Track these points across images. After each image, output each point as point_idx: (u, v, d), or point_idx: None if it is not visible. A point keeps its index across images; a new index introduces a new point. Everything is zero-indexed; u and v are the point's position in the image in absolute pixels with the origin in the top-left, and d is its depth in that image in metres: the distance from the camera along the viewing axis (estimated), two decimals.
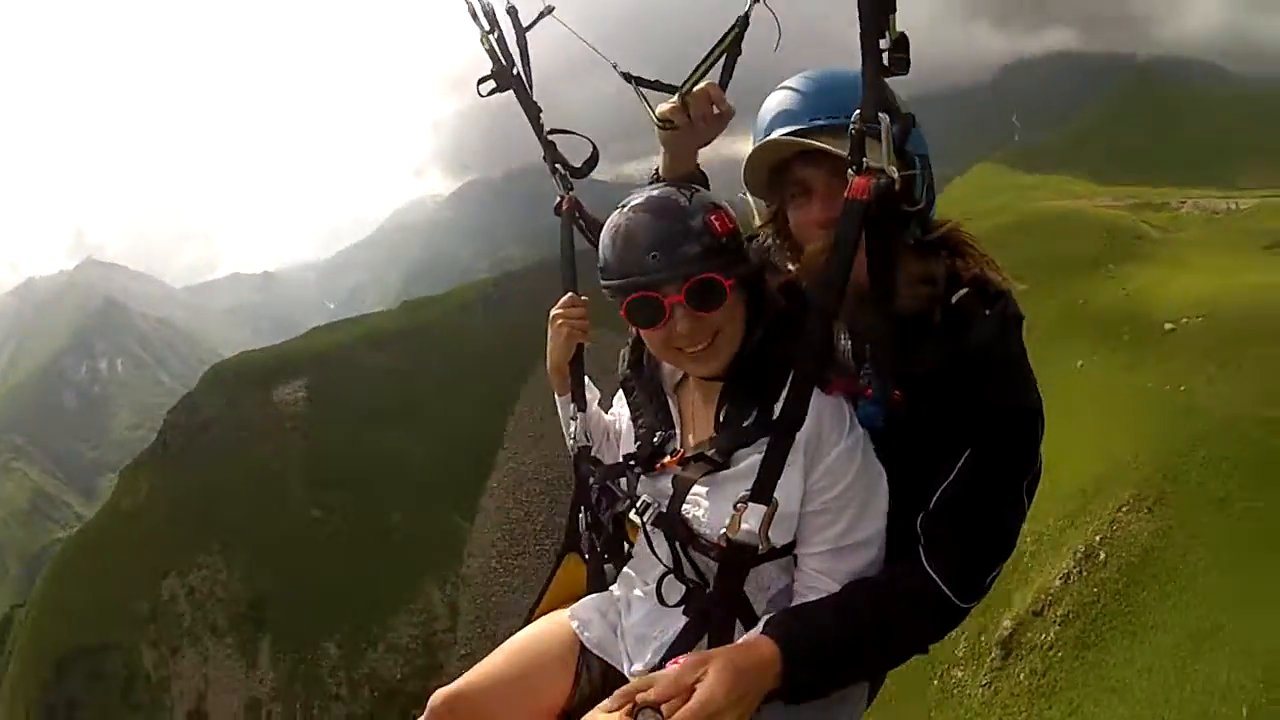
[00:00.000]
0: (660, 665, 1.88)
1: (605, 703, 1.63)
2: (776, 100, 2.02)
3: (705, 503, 1.88)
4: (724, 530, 1.79)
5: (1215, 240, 41.17)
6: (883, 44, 1.52)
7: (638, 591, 2.15)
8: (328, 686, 60.62)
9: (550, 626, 2.32)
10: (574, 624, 2.25)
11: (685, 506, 1.91)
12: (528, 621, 2.44)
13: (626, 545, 2.26)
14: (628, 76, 2.28)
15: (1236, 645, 14.79)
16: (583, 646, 2.21)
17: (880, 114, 1.55)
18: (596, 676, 2.17)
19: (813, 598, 1.81)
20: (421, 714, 2.27)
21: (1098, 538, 19.61)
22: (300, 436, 73.31)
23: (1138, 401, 22.77)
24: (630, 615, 2.16)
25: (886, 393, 1.81)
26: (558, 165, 2.67)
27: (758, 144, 2.01)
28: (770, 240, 2.22)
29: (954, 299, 1.88)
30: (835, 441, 1.82)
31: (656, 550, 1.98)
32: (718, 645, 1.82)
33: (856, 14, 1.52)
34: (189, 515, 69.05)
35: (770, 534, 1.77)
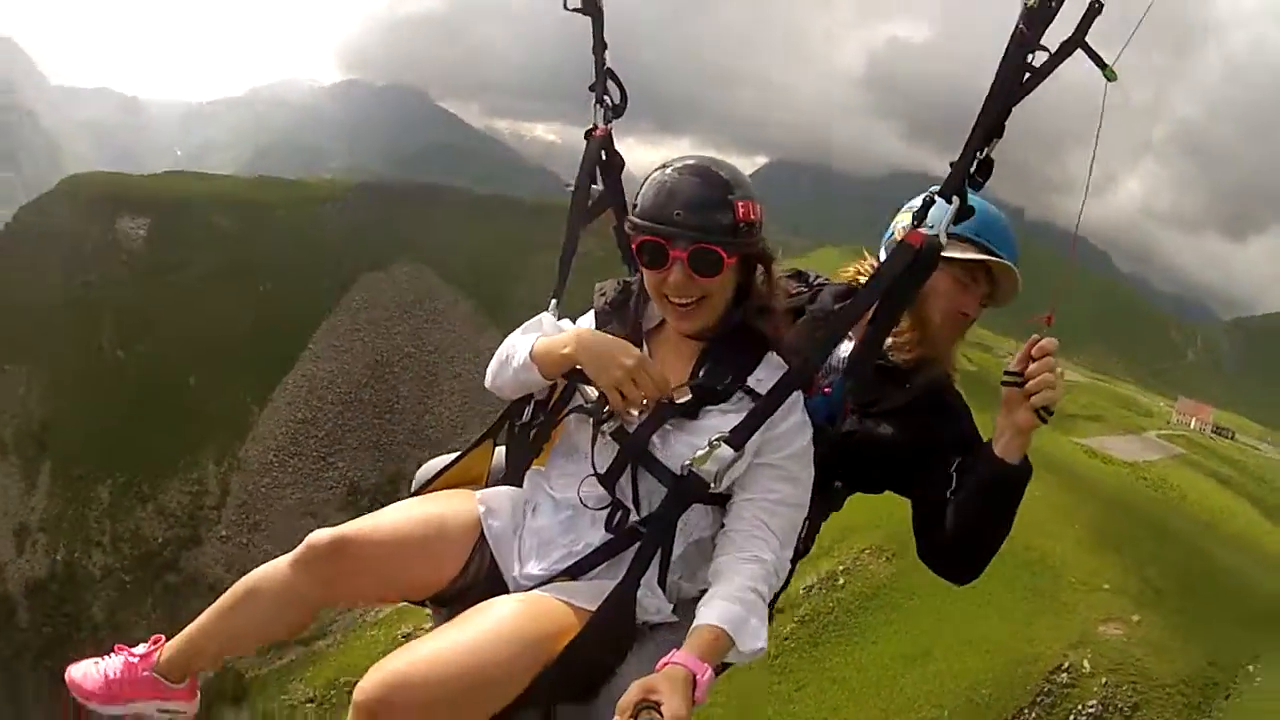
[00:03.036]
0: (566, 572, 2.04)
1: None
2: (992, 220, 2.43)
3: (675, 435, 2.01)
4: (688, 462, 1.94)
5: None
6: (979, 155, 1.95)
7: (553, 495, 2.16)
8: (92, 533, 62.90)
9: (456, 503, 2.21)
10: (481, 509, 2.18)
11: (665, 434, 2.02)
12: (418, 493, 2.38)
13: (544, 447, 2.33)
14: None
15: (941, 667, 22.93)
16: (481, 535, 2.15)
17: (952, 195, 1.99)
18: (484, 568, 2.13)
19: (738, 539, 1.97)
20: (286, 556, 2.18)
21: (840, 567, 25.59)
22: (129, 272, 74.14)
23: None
24: (537, 518, 2.17)
25: (839, 404, 2.12)
26: (606, 97, 2.80)
27: (989, 251, 2.38)
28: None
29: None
30: (791, 414, 2.06)
31: (597, 460, 2.05)
32: (638, 566, 1.95)
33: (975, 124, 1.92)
34: (5, 323, 69.78)
35: (724, 478, 1.95)
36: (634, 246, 2.07)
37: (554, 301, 2.59)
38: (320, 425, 70.05)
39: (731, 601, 1.85)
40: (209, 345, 70.49)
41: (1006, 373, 2.03)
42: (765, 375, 2.09)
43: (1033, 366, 1.98)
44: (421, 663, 1.79)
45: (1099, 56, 1.86)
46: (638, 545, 2.00)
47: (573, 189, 2.79)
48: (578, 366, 2.11)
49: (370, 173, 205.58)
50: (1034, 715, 23.63)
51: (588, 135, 2.84)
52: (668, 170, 2.06)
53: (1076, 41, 1.88)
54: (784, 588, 2.09)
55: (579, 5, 2.80)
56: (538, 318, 2.43)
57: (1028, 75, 1.93)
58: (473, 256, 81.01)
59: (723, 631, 1.79)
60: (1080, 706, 24.36)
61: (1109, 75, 1.87)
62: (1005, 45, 1.90)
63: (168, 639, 2.31)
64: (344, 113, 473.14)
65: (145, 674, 2.26)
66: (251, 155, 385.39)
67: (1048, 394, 1.97)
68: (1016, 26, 1.87)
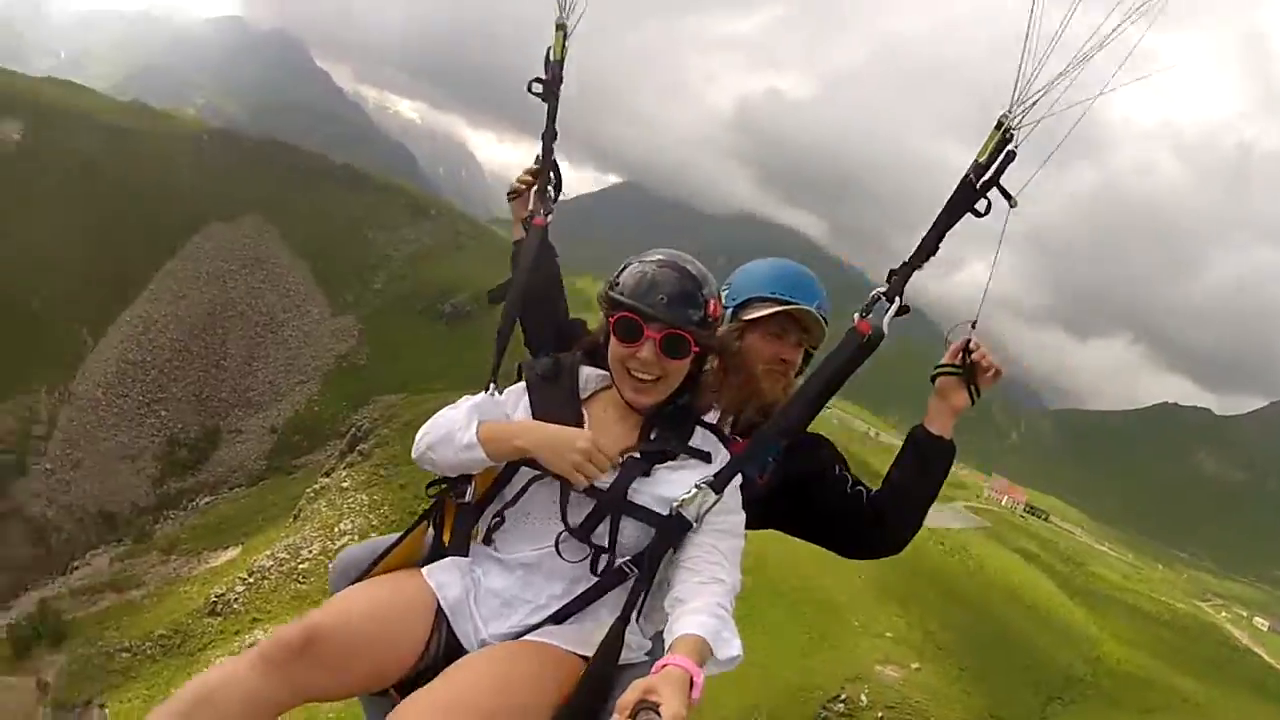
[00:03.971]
0: (552, 617, 2.18)
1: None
2: (785, 273, 2.72)
3: (643, 485, 2.20)
4: (676, 503, 2.15)
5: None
6: (919, 268, 2.33)
7: (500, 558, 2.27)
8: None
9: (409, 582, 2.22)
10: (433, 583, 2.21)
11: (635, 486, 2.20)
12: (363, 576, 2.34)
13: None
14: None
15: (722, 685, 24.87)
16: (436, 612, 2.16)
17: (895, 296, 2.32)
18: (443, 645, 2.14)
19: (696, 565, 2.11)
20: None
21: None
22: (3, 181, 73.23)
23: None
24: (490, 581, 2.24)
25: (768, 461, 2.41)
26: (549, 187, 2.91)
27: (785, 303, 2.64)
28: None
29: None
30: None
31: (570, 516, 2.18)
32: (633, 601, 2.14)
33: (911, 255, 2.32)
34: None
35: (703, 519, 2.17)
36: (611, 320, 2.28)
37: (491, 385, 2.56)
38: (148, 369, 71.11)
39: (704, 614, 1.94)
40: (56, 267, 70.07)
41: (940, 365, 2.51)
42: (703, 442, 2.34)
43: (980, 354, 2.46)
44: (455, 706, 1.86)
45: (1008, 193, 2.24)
46: (626, 585, 2.19)
47: (506, 281, 2.87)
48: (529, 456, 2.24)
49: (231, 117, 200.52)
50: None
51: (525, 224, 2.93)
52: (648, 262, 2.30)
53: (994, 181, 2.23)
54: None
55: (539, 90, 2.90)
56: (472, 399, 2.44)
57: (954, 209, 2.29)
58: (318, 223, 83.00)
59: (704, 640, 1.87)
60: None
61: (1013, 204, 2.24)
62: (953, 189, 2.28)
63: None
64: (220, 49, 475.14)
65: None
66: (126, 73, 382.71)
67: (995, 377, 2.51)
68: (966, 175, 2.24)
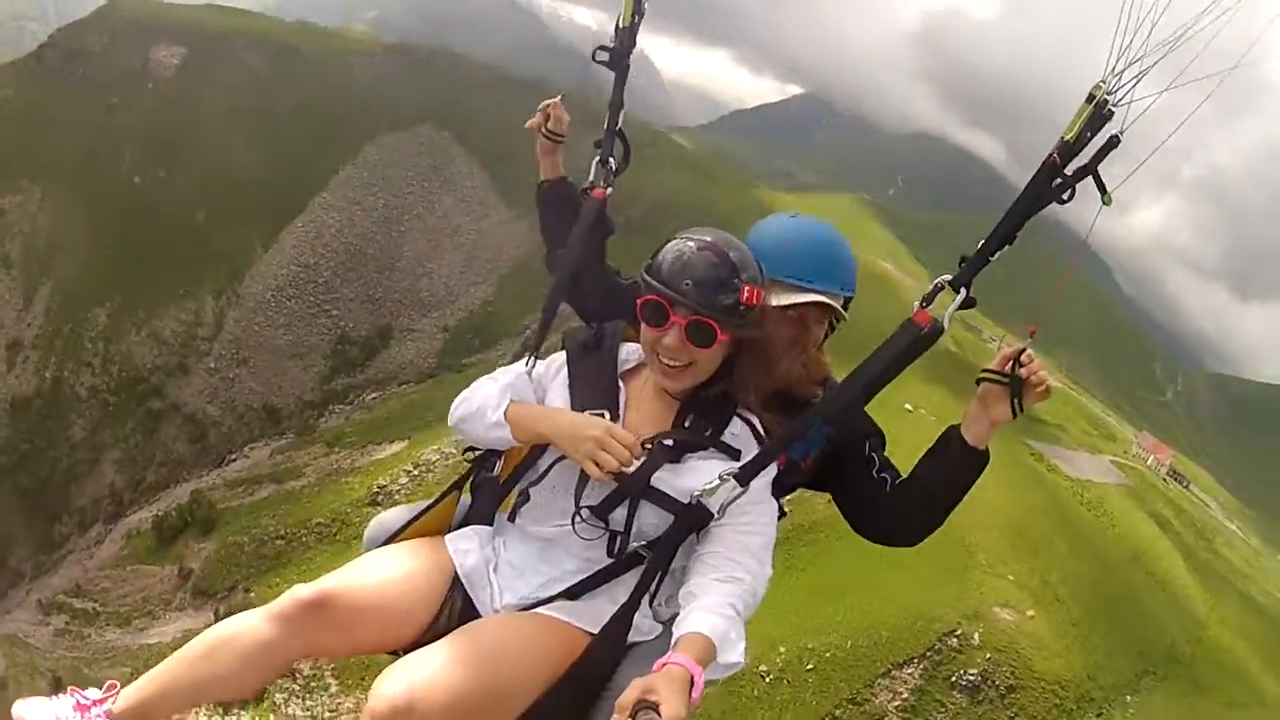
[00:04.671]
0: (566, 592, 2.18)
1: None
2: (811, 254, 2.49)
3: (669, 473, 2.16)
4: (698, 492, 2.11)
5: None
6: (992, 258, 2.18)
7: (523, 529, 2.29)
8: (85, 354, 62.52)
9: (427, 551, 2.29)
10: (451, 549, 2.28)
11: (660, 472, 2.16)
12: (389, 541, 2.41)
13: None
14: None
15: (852, 605, 27.75)
16: (453, 582, 2.22)
17: (961, 287, 2.19)
18: (455, 615, 2.19)
19: (715, 560, 2.09)
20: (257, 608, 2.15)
21: (788, 498, 29.21)
22: (157, 101, 73.54)
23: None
24: (509, 551, 2.28)
25: (814, 444, 2.44)
26: (610, 158, 2.86)
27: (806, 290, 2.43)
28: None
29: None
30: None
31: (590, 496, 2.17)
32: (644, 586, 2.14)
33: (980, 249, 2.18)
34: (30, 138, 69.00)
35: (725, 510, 2.12)
36: (639, 302, 2.18)
37: (532, 358, 2.50)
38: (320, 272, 69.45)
39: (714, 614, 1.91)
40: (225, 181, 69.66)
41: (987, 370, 2.20)
42: (739, 431, 2.25)
43: (1031, 369, 2.15)
44: (443, 672, 1.85)
45: (1104, 185, 2.04)
46: (642, 568, 2.15)
47: (560, 251, 2.79)
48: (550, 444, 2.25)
49: (402, 30, 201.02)
50: (921, 666, 26.32)
51: (584, 193, 2.85)
52: (688, 242, 2.16)
53: (1089, 170, 2.04)
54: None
55: (605, 58, 2.82)
56: (509, 372, 2.44)
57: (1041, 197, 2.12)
58: (494, 131, 78.28)
59: (710, 641, 1.85)
60: (962, 672, 27.92)
61: (1107, 201, 2.07)
62: (1035, 171, 2.08)
63: (123, 686, 2.18)
64: None
65: None
66: None
67: (1044, 395, 2.19)
68: (1050, 155, 2.04)
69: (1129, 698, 33.22)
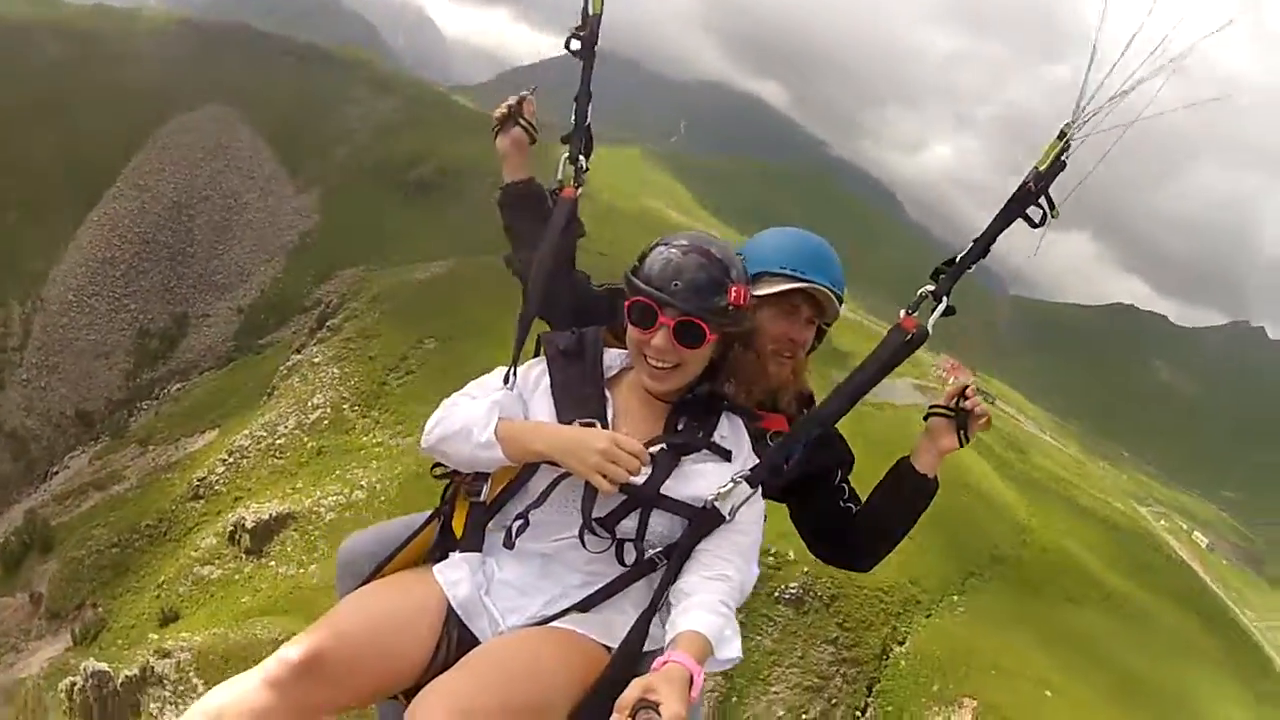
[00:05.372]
0: (557, 612, 2.14)
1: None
2: (799, 247, 2.57)
3: (678, 478, 2.16)
4: (712, 496, 2.12)
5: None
6: (968, 270, 2.31)
7: (523, 545, 2.21)
8: None
9: (417, 584, 2.19)
10: (442, 582, 2.18)
11: (669, 480, 2.15)
12: (371, 578, 2.30)
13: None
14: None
15: None
16: (447, 614, 2.13)
17: (943, 297, 2.29)
18: (454, 642, 2.11)
19: (705, 559, 2.10)
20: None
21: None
22: None
23: None
24: (503, 572, 2.21)
25: (797, 451, 2.37)
26: (580, 156, 2.69)
27: (798, 279, 2.49)
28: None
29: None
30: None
31: (596, 508, 2.13)
32: (660, 593, 2.10)
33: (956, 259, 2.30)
34: None
35: (735, 511, 2.15)
36: (626, 304, 2.21)
37: (510, 370, 2.39)
38: (117, 265, 70.74)
39: (708, 611, 1.93)
40: (23, 176, 69.66)
41: (935, 406, 2.45)
42: (729, 432, 2.29)
43: (973, 402, 2.41)
44: (484, 694, 1.84)
45: (1052, 201, 2.20)
46: (649, 575, 2.17)
47: (527, 255, 2.63)
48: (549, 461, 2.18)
49: (190, 3, 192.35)
50: None
51: (553, 194, 2.69)
52: (672, 247, 2.22)
53: (1042, 191, 2.20)
54: None
55: (577, 48, 2.68)
56: (486, 386, 2.37)
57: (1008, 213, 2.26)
58: (280, 104, 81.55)
59: (706, 638, 1.87)
60: (784, 587, 30.77)
61: (1054, 215, 2.22)
62: (1013, 192, 2.24)
63: None
64: None
65: None
66: None
67: (985, 425, 2.45)
68: (1024, 182, 2.20)
69: (956, 598, 36.41)
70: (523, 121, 2.73)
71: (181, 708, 24.12)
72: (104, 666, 28.05)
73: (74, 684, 27.81)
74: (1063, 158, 2.17)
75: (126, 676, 27.89)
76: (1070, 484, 65.14)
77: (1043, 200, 2.20)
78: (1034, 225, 2.21)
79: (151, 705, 27.50)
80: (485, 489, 2.30)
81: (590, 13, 2.65)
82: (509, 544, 2.23)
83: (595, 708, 1.94)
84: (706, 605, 1.95)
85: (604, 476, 2.06)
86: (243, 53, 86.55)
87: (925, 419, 2.45)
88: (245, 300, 72.25)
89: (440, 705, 1.79)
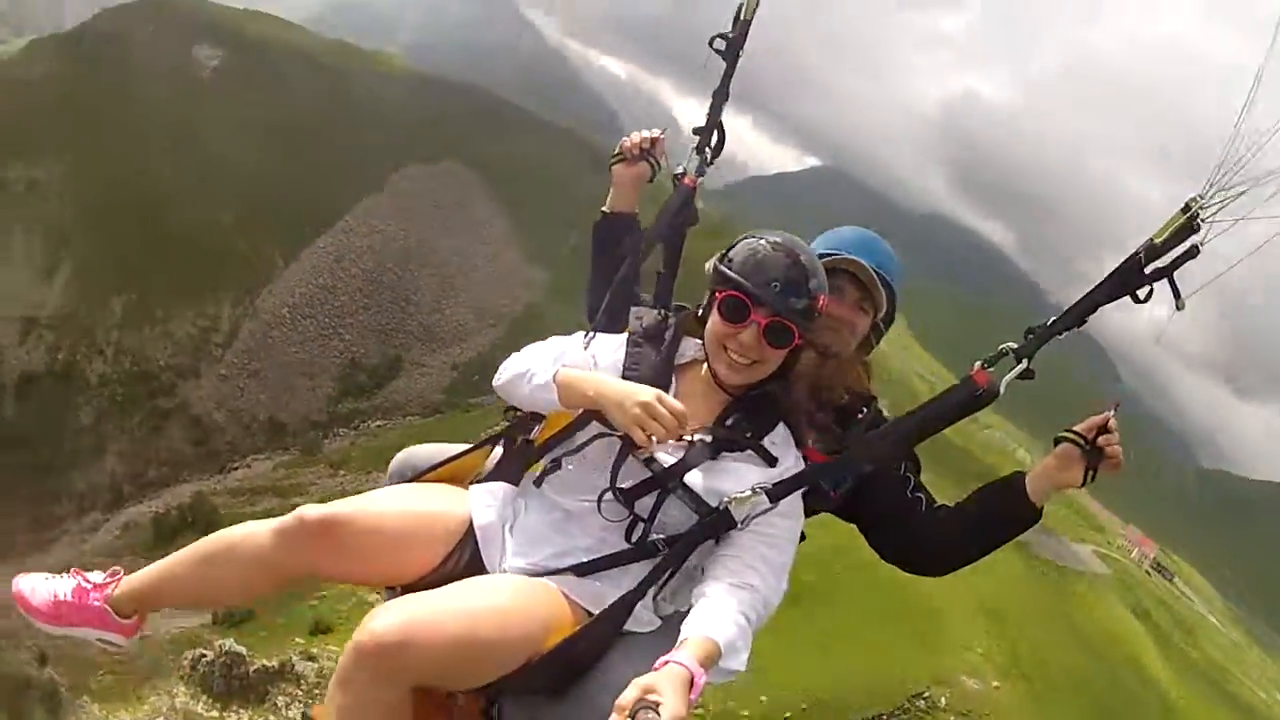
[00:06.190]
0: (573, 569, 2.14)
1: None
2: (843, 234, 2.71)
3: (711, 472, 2.16)
4: (728, 499, 2.09)
5: None
6: (1061, 335, 2.22)
7: (547, 496, 2.25)
8: (98, 341, 63.56)
9: (446, 498, 2.28)
10: (471, 500, 2.26)
11: (694, 470, 2.15)
12: (416, 479, 2.43)
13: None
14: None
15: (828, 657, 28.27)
16: (465, 533, 2.19)
17: (1024, 358, 2.20)
18: (462, 565, 2.15)
19: (733, 565, 2.09)
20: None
21: None
22: (192, 99, 75.62)
23: None
24: (527, 516, 2.25)
25: (846, 478, 2.41)
26: (707, 149, 2.79)
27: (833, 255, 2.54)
28: None
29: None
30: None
31: (621, 477, 2.14)
32: (652, 579, 2.12)
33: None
34: (63, 116, 70.50)
35: (749, 520, 2.11)
36: (718, 295, 2.18)
37: (588, 333, 2.48)
38: (338, 295, 71.00)
39: (724, 618, 1.94)
40: (252, 188, 71.16)
41: (1071, 430, 2.24)
42: (779, 440, 2.26)
43: (1110, 439, 2.18)
44: (443, 618, 1.84)
45: (1178, 290, 2.08)
46: (656, 560, 2.14)
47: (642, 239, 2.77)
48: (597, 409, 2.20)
49: (435, 57, 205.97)
50: None
51: (676, 180, 2.81)
52: (765, 243, 2.19)
53: (1166, 273, 2.08)
54: None
55: (721, 48, 2.76)
56: (562, 341, 2.44)
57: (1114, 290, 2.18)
58: (517, 173, 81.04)
59: (716, 644, 1.87)
60: None
61: (1180, 306, 2.10)
62: (1121, 262, 2.14)
63: (127, 572, 2.35)
64: None
65: (96, 603, 2.27)
66: (325, 4, 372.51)
67: (1116, 468, 2.23)
68: (1135, 254, 2.09)
69: None
70: (651, 159, 2.76)
71: (308, 712, 23.66)
72: (241, 649, 27.06)
73: (201, 656, 26.80)
74: (1191, 239, 2.05)
75: (263, 665, 26.89)
76: (1223, 669, 59.63)
77: (1158, 276, 2.09)
78: (1138, 301, 2.14)
79: (280, 699, 26.34)
80: (537, 429, 2.42)
81: (742, 16, 2.72)
82: (539, 483, 2.30)
83: (553, 665, 1.96)
84: (724, 612, 1.96)
85: (642, 430, 2.06)
86: (482, 116, 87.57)
87: (1056, 442, 2.26)
88: (462, 358, 71.39)
89: (405, 612, 1.83)
